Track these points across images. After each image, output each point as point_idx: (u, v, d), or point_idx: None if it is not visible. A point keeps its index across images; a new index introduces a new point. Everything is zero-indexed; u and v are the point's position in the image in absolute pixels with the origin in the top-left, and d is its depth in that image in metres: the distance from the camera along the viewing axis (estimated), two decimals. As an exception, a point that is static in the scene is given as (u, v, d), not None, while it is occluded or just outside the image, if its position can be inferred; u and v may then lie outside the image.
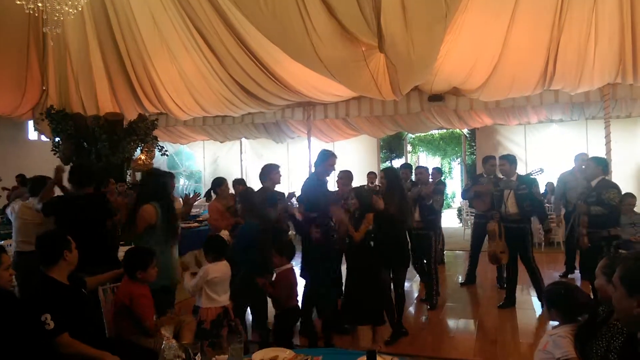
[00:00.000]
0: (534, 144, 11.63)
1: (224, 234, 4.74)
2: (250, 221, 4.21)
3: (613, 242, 4.85)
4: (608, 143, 7.72)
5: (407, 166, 7.71)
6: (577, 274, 6.93)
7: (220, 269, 3.76)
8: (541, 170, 6.28)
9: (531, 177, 5.73)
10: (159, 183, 4.09)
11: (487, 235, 5.93)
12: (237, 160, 14.30)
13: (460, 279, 7.10)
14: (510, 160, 5.74)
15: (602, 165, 5.09)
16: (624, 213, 6.33)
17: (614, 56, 6.39)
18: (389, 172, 4.97)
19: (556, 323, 2.50)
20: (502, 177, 5.82)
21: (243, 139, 13.72)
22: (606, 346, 2.09)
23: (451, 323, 5.39)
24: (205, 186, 15.07)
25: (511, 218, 5.60)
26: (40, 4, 5.59)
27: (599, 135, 8.73)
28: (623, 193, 6.46)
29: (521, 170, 8.81)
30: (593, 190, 4.99)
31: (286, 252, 4.11)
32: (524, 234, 5.58)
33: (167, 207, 3.99)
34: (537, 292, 5.76)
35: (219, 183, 5.83)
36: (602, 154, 7.19)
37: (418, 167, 6.57)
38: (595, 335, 2.17)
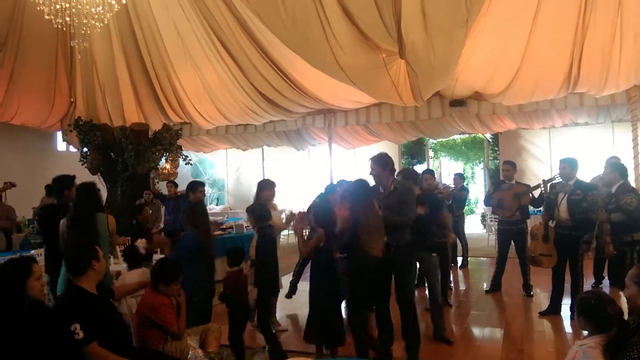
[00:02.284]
0: (559, 147, 11.42)
1: (141, 242, 4.88)
2: (190, 232, 4.28)
3: (636, 247, 4.71)
4: (636, 146, 7.55)
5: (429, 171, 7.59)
6: (605, 282, 6.76)
7: (133, 276, 4.21)
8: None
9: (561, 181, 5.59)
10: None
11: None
12: (260, 167, 14.42)
13: (485, 286, 7.00)
14: (571, 163, 5.39)
15: (619, 170, 4.96)
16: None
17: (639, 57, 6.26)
18: (354, 185, 4.05)
19: (586, 332, 2.46)
20: (560, 179, 5.57)
21: (265, 147, 13.84)
22: (638, 357, 2.05)
23: (476, 331, 5.31)
24: (228, 194, 15.22)
25: (562, 224, 5.35)
26: (68, 19, 5.76)
27: (625, 139, 8.54)
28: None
29: (546, 174, 8.67)
30: (613, 197, 4.89)
31: (232, 258, 4.39)
32: (575, 242, 5.26)
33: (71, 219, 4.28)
34: (572, 301, 5.49)
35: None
36: (629, 157, 7.04)
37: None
38: (626, 346, 2.13)
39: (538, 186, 6.26)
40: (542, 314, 5.62)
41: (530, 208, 6.60)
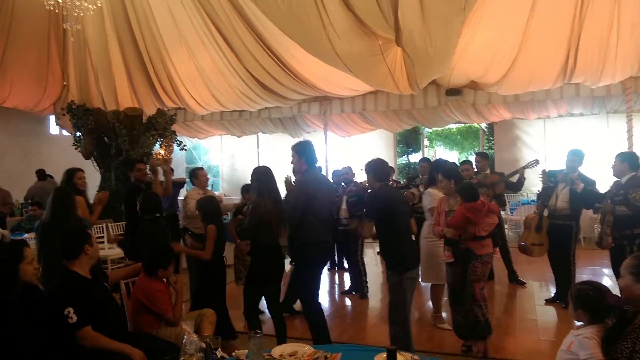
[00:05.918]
0: (554, 138, 11.44)
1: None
2: None
3: (636, 240, 4.66)
4: (630, 138, 7.57)
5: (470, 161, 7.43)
6: (601, 272, 6.81)
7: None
8: (536, 162, 6.22)
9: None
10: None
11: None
12: (254, 154, 14.37)
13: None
14: (580, 156, 5.47)
15: (629, 161, 4.85)
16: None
17: (636, 48, 6.23)
18: (254, 172, 4.16)
19: (581, 323, 2.45)
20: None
21: (260, 133, 13.78)
22: (631, 347, 2.06)
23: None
24: (222, 180, 15.18)
25: (559, 214, 5.40)
26: (60, 1, 5.67)
27: (620, 130, 8.57)
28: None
29: (541, 164, 8.69)
30: (621, 189, 4.80)
31: None
32: (570, 232, 5.38)
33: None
34: (563, 289, 5.51)
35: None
36: (623, 148, 7.06)
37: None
38: (621, 335, 2.14)
39: (514, 173, 6.34)
40: (548, 302, 5.69)
41: (523, 197, 6.62)
